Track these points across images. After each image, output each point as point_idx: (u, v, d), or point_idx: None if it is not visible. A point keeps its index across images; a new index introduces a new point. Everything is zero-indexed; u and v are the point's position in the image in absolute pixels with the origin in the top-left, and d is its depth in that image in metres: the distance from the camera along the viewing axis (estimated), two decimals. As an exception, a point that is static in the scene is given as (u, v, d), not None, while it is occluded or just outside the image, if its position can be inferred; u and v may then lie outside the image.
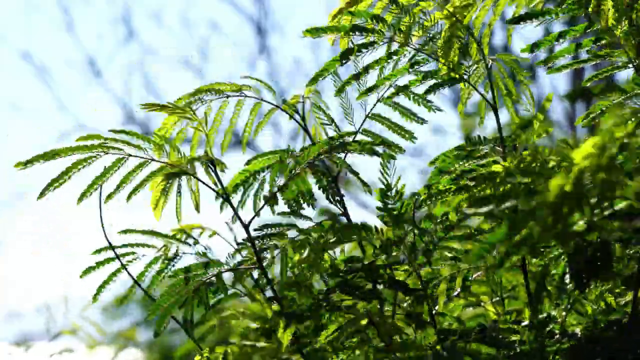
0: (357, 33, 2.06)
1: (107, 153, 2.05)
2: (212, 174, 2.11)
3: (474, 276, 2.14)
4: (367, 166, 2.34)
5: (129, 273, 2.25)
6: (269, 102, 2.28)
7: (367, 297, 1.95)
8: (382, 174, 2.03)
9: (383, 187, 2.03)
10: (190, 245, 2.26)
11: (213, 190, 2.12)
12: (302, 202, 2.17)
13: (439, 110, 2.21)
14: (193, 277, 2.09)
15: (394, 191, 2.03)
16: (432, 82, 2.12)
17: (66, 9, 15.34)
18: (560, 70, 2.11)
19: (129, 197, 2.08)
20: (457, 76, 2.10)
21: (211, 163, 2.10)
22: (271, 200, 2.13)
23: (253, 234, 2.11)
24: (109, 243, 2.22)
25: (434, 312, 2.03)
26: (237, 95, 2.25)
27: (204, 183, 2.12)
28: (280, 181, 2.15)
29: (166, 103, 2.11)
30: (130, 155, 2.06)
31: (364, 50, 2.08)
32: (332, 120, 2.28)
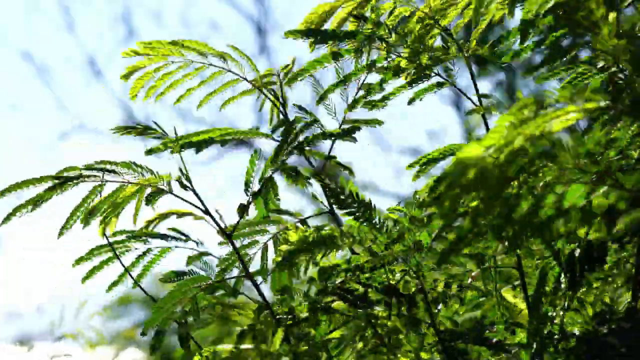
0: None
1: (84, 181, 2.05)
2: (190, 190, 2.13)
3: (470, 279, 2.15)
4: (363, 166, 2.35)
5: (122, 263, 2.27)
6: (244, 78, 2.19)
7: (359, 303, 1.96)
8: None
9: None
10: (182, 240, 2.27)
11: (192, 205, 2.15)
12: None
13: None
14: (185, 293, 2.10)
15: (346, 192, 2.00)
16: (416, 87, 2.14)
17: (66, 9, 15.34)
18: (547, 79, 2.11)
19: (102, 222, 2.11)
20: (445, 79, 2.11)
21: (187, 180, 2.13)
22: (242, 210, 2.14)
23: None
24: (109, 242, 2.24)
25: (433, 313, 2.04)
26: (218, 67, 2.17)
27: (182, 199, 2.14)
28: (255, 187, 2.16)
29: (135, 125, 2.11)
30: (107, 180, 2.07)
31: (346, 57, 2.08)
32: (313, 116, 2.21)
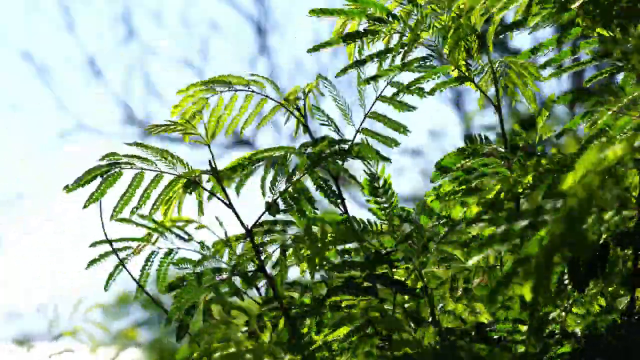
0: (367, 22, 2.05)
1: (127, 168, 2.19)
2: (217, 183, 2.20)
3: (475, 282, 2.15)
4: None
5: (128, 272, 2.29)
6: (273, 100, 2.29)
7: (366, 294, 1.96)
8: (365, 166, 2.05)
9: (368, 178, 2.05)
10: (185, 239, 2.30)
11: (218, 198, 2.20)
12: (300, 202, 2.19)
13: (413, 109, 2.22)
14: (204, 281, 2.13)
15: (381, 181, 2.04)
16: (435, 80, 2.14)
17: (66, 9, 15.30)
18: (560, 74, 2.12)
19: (150, 214, 2.22)
20: (464, 75, 2.11)
21: (215, 174, 2.18)
22: (272, 208, 2.16)
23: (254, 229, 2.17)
24: (110, 243, 2.27)
25: (436, 312, 2.04)
26: (245, 90, 2.27)
27: (211, 192, 2.21)
28: (281, 185, 2.18)
29: (168, 122, 2.22)
30: (143, 169, 2.19)
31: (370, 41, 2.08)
32: (332, 121, 2.28)
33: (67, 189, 2.16)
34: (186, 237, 2.29)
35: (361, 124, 2.26)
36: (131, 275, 2.31)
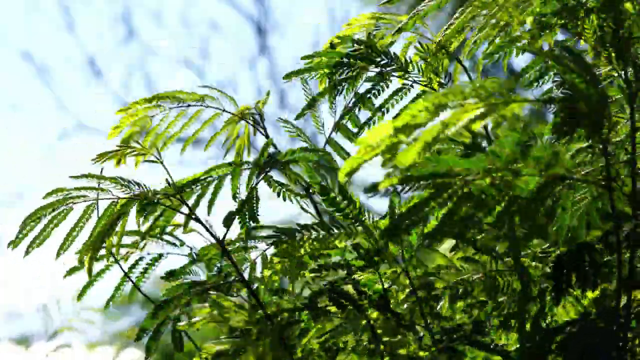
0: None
1: (76, 203, 2.14)
2: (179, 199, 2.17)
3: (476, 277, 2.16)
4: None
5: (125, 274, 2.31)
6: (228, 112, 2.34)
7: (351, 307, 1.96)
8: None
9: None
10: (175, 245, 2.30)
11: (183, 213, 2.19)
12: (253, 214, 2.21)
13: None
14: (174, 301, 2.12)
15: (333, 193, 2.01)
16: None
17: (66, 9, 15.30)
18: (549, 93, 2.16)
19: (116, 246, 2.16)
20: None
21: (178, 191, 2.16)
22: (228, 223, 2.17)
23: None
24: (117, 261, 2.29)
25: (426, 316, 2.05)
26: (198, 105, 2.31)
27: (172, 209, 2.18)
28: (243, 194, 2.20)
29: (115, 149, 2.21)
30: (98, 199, 2.13)
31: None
32: (301, 131, 2.34)
33: (13, 244, 2.10)
34: (176, 242, 2.30)
35: (330, 135, 2.37)
36: (132, 281, 2.33)
